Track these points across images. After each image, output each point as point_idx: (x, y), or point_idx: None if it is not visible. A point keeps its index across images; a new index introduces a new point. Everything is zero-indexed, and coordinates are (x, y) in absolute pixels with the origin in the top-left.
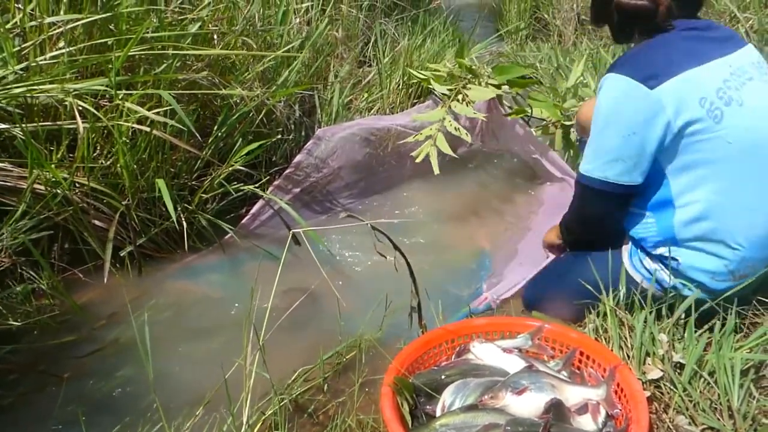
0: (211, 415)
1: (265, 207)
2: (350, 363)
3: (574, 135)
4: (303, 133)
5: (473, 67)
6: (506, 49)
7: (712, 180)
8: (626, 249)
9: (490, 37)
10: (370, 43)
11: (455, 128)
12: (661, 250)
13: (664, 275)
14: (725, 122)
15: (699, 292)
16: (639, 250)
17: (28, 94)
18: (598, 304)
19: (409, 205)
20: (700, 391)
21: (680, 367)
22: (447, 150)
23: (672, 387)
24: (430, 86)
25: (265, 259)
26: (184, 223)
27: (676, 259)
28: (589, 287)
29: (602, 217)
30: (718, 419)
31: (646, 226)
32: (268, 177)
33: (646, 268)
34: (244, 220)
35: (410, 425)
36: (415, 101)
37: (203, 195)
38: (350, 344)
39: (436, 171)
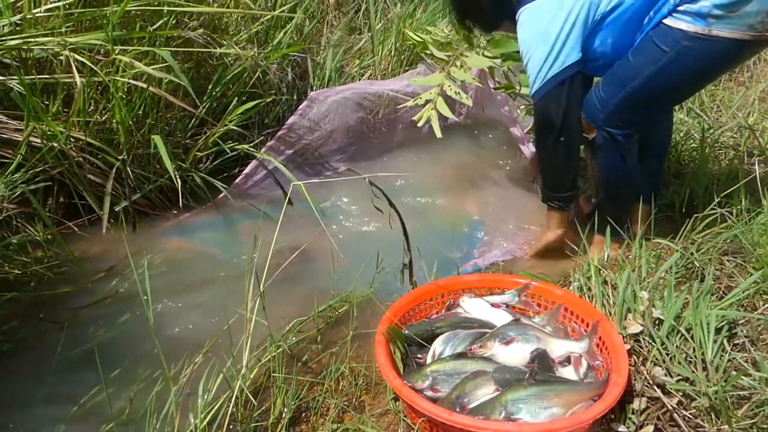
0: (208, 363)
1: (258, 167)
2: (342, 317)
3: None
4: (295, 96)
5: (471, 35)
6: None
7: None
8: (664, 21)
9: None
10: (361, 11)
11: (455, 92)
12: None
13: (704, 3)
14: None
15: None
16: (671, 12)
17: (24, 47)
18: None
19: (399, 171)
20: (677, 345)
21: (659, 322)
22: (447, 113)
23: (650, 341)
24: (426, 51)
25: (256, 218)
26: (178, 181)
27: None
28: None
29: (566, 112)
30: (693, 371)
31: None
32: (261, 138)
33: (686, 12)
34: (237, 180)
35: (401, 372)
36: (406, 68)
37: (197, 153)
38: (343, 299)
39: (438, 135)
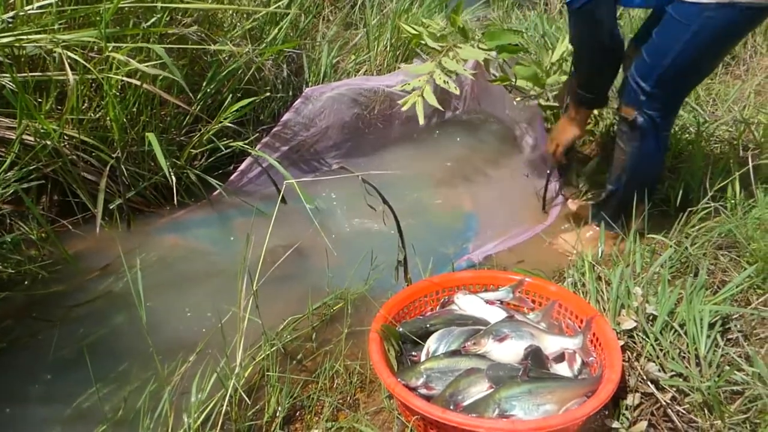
0: (202, 362)
1: (253, 164)
2: (337, 314)
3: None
4: (290, 93)
5: (465, 27)
6: (493, 16)
7: None
8: None
9: (477, 3)
10: (357, 6)
11: (444, 81)
12: None
13: None
14: None
15: None
16: None
17: (16, 44)
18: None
19: (395, 167)
20: (671, 341)
21: (653, 318)
22: (433, 102)
23: (644, 337)
24: (422, 41)
25: (251, 215)
26: (173, 178)
27: None
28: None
29: (614, 20)
30: (686, 367)
31: None
32: (256, 135)
33: None
34: (232, 177)
35: (396, 369)
36: (402, 63)
37: (192, 150)
38: (337, 296)
39: (421, 121)
